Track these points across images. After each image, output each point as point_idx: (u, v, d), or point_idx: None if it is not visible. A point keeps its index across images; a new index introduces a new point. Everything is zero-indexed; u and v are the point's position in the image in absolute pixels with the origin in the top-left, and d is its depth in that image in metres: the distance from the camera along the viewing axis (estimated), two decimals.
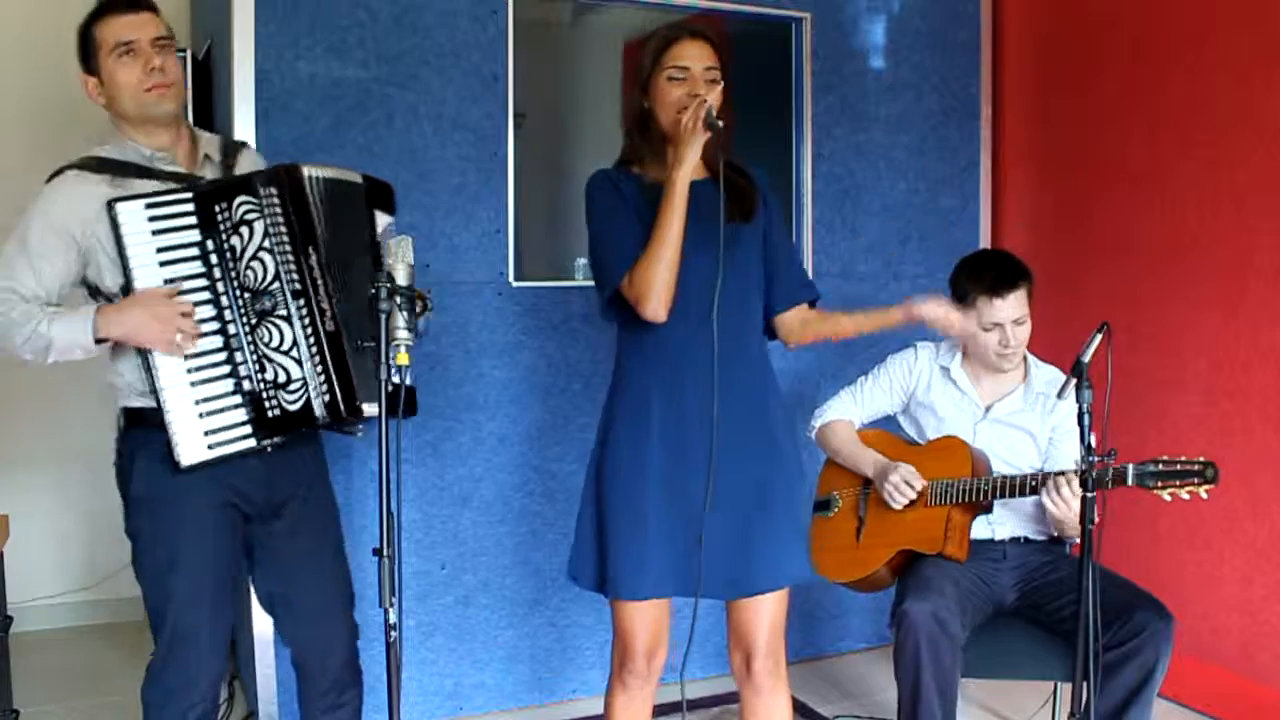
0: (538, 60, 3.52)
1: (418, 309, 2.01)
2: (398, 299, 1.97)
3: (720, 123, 2.13)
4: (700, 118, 2.11)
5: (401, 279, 1.99)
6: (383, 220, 2.29)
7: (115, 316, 2.06)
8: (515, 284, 3.28)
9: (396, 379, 1.96)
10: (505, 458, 3.31)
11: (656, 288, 2.15)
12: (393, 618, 1.94)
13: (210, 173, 2.24)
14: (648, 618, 2.27)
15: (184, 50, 3.39)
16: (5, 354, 2.10)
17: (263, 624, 2.91)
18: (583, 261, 3.68)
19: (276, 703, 3.03)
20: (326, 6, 3.02)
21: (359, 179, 2.26)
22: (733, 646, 2.35)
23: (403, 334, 1.97)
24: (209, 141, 2.29)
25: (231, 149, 2.33)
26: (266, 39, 2.95)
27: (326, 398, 2.10)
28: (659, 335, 2.21)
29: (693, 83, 2.19)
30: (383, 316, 1.96)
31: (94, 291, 2.15)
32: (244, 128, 2.92)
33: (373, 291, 1.96)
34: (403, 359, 1.96)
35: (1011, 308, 2.74)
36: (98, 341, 2.07)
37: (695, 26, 2.26)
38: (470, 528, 3.28)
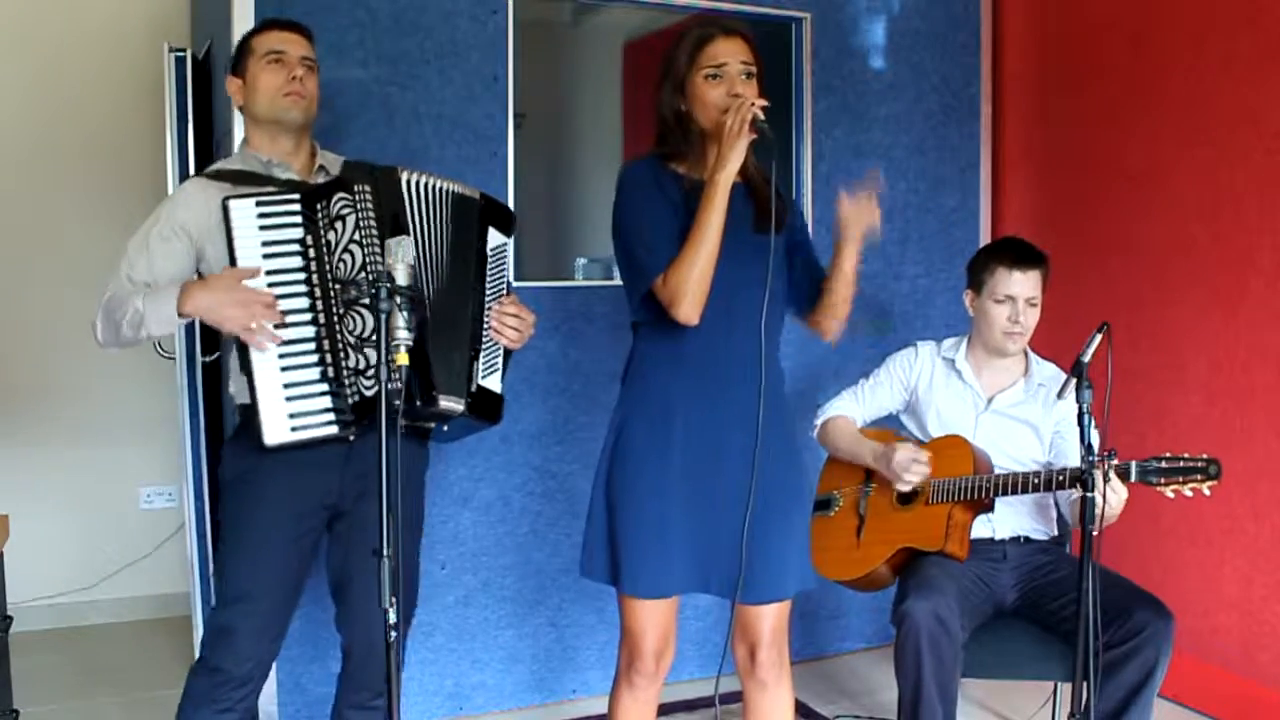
0: (538, 60, 3.52)
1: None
2: (398, 299, 1.98)
3: (768, 126, 2.11)
4: (746, 119, 2.10)
5: (401, 279, 1.99)
6: (496, 238, 2.40)
7: (198, 292, 2.17)
8: (515, 284, 3.27)
9: (496, 386, 2.23)
10: (505, 458, 3.31)
11: (692, 291, 2.13)
12: (393, 618, 1.94)
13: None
14: (658, 617, 2.27)
15: (184, 50, 3.40)
16: (117, 335, 2.22)
17: None
18: (583, 261, 3.69)
19: (276, 702, 3.03)
20: (326, 6, 3.02)
21: (473, 194, 2.37)
22: (737, 640, 2.35)
23: (403, 334, 1.97)
24: (331, 159, 2.43)
25: (355, 167, 2.40)
26: None
27: (399, 384, 2.10)
28: (685, 336, 2.20)
29: (730, 81, 2.17)
30: (383, 316, 1.97)
31: None
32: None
33: (373, 292, 1.97)
34: (402, 359, 1.97)
35: (1027, 285, 2.75)
36: (180, 315, 2.17)
37: (728, 23, 2.24)
38: (470, 528, 3.28)
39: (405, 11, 3.11)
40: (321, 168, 2.41)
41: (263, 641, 2.29)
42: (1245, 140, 3.15)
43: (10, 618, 2.69)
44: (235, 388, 2.31)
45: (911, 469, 2.71)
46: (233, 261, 2.19)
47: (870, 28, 3.74)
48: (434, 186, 2.29)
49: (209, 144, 3.39)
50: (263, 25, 2.40)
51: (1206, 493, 2.42)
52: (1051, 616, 2.68)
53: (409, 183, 2.25)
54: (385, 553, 1.96)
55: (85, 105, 4.12)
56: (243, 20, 2.91)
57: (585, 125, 3.90)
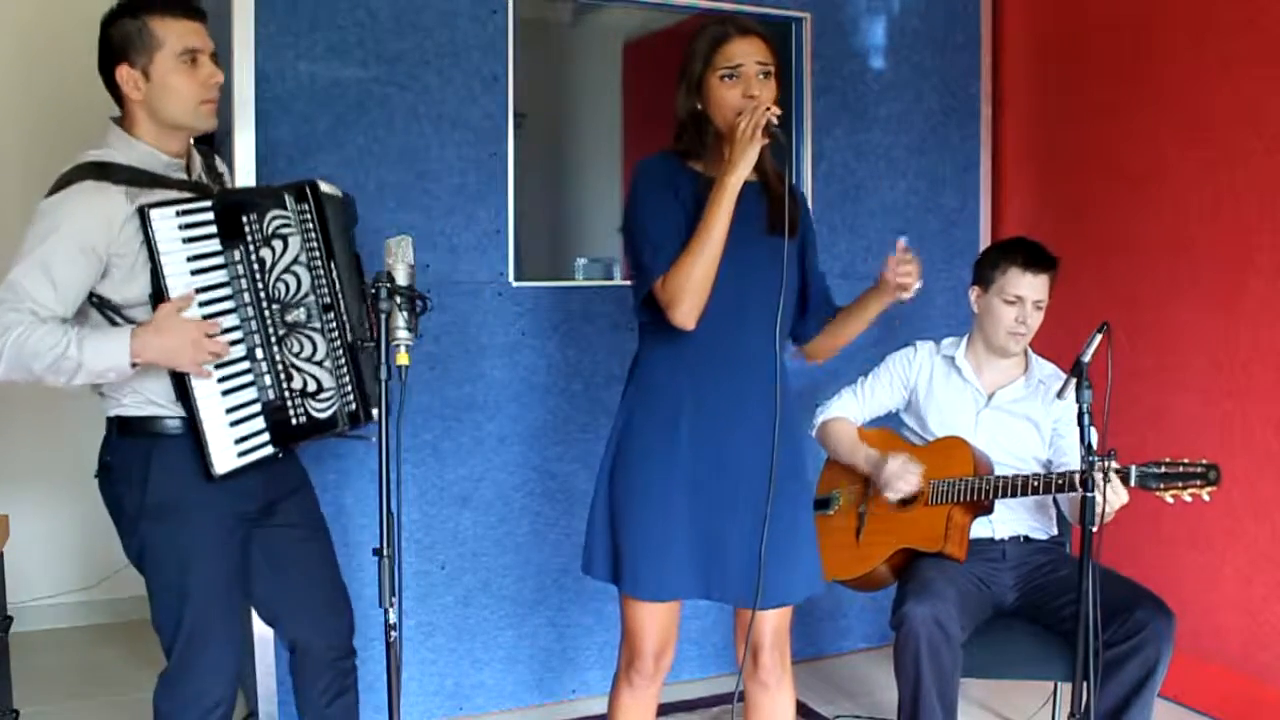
0: (538, 60, 3.52)
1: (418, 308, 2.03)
2: (397, 299, 1.98)
3: (781, 129, 2.10)
4: (759, 124, 2.07)
5: (401, 279, 1.99)
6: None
7: (153, 340, 2.00)
8: (515, 284, 3.28)
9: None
10: (505, 458, 3.31)
11: (690, 296, 2.11)
12: (393, 618, 1.94)
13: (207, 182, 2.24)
14: (660, 619, 2.27)
15: None
16: (27, 378, 2.01)
17: (263, 624, 2.90)
18: (583, 261, 3.69)
19: (276, 702, 3.03)
20: (326, 6, 3.02)
21: (344, 193, 2.29)
22: (739, 642, 2.35)
23: (402, 334, 1.98)
24: (195, 154, 2.27)
25: (206, 154, 2.33)
26: (266, 39, 2.95)
27: (352, 406, 2.16)
28: (692, 337, 2.17)
29: (746, 81, 2.15)
30: (383, 316, 1.97)
31: (101, 304, 2.09)
32: (244, 128, 2.92)
33: (373, 291, 1.96)
34: (402, 359, 1.97)
35: (1037, 288, 2.76)
36: (133, 365, 2.01)
37: (743, 22, 2.21)
38: (470, 528, 3.28)
39: (405, 11, 3.11)
40: (209, 167, 2.27)
41: (232, 662, 2.22)
42: (1245, 140, 3.15)
43: (10, 618, 2.69)
44: (128, 398, 2.12)
45: (902, 480, 2.71)
46: (159, 276, 2.01)
47: (870, 28, 3.74)
48: (333, 196, 2.19)
49: (209, 144, 3.38)
50: (162, 6, 2.07)
51: (1206, 498, 2.42)
52: (1051, 616, 2.68)
53: (325, 195, 2.14)
54: (385, 553, 1.97)
55: (85, 105, 4.10)
56: (243, 20, 2.91)
57: (585, 125, 3.91)
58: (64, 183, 2.05)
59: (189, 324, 2.02)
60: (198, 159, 2.24)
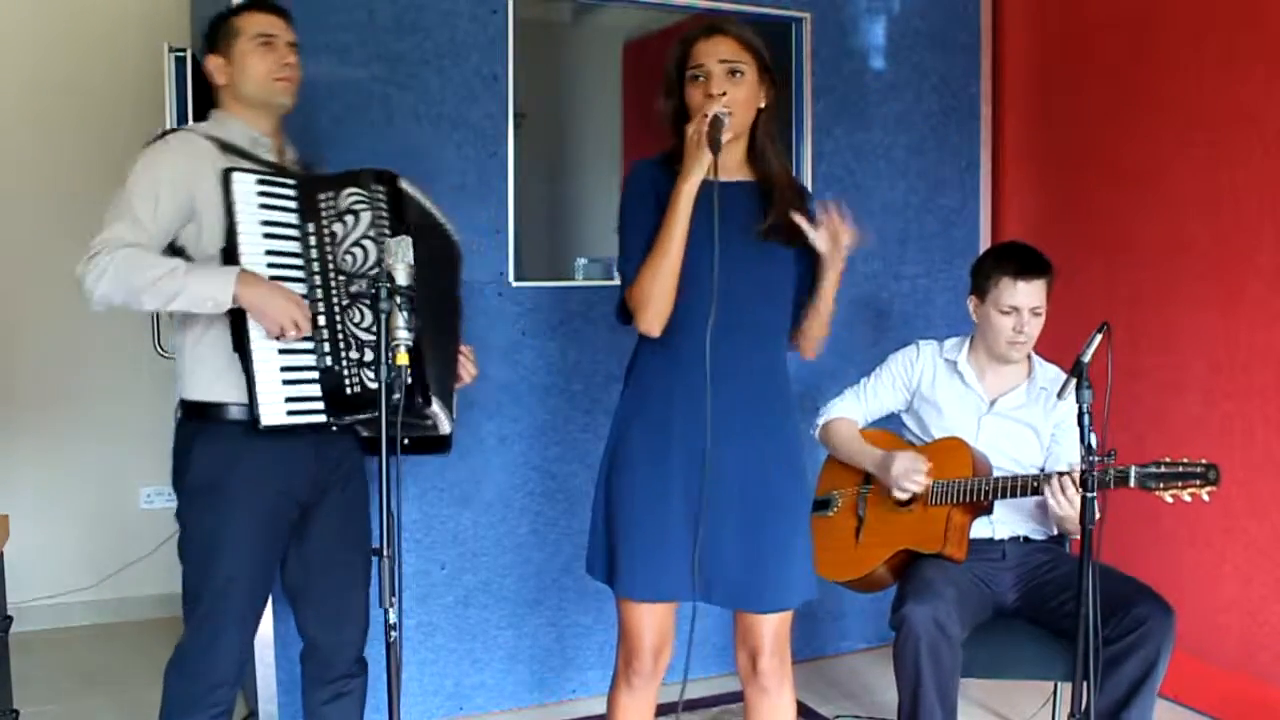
0: (538, 60, 3.52)
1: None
2: (397, 299, 1.98)
3: (724, 139, 2.08)
4: (704, 133, 2.06)
5: (401, 279, 1.99)
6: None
7: (258, 288, 2.13)
8: (515, 284, 3.28)
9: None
10: (505, 458, 3.31)
11: (651, 303, 2.13)
12: (393, 618, 1.94)
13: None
14: (655, 619, 2.27)
15: (184, 50, 3.40)
16: (125, 298, 2.11)
17: (263, 623, 2.90)
18: (583, 261, 3.69)
19: (276, 702, 3.03)
20: (326, 6, 3.02)
21: (447, 228, 2.45)
22: (739, 646, 2.35)
23: (402, 334, 1.98)
24: (290, 150, 2.42)
25: (312, 161, 2.47)
26: None
27: (408, 382, 2.12)
28: (684, 338, 2.18)
29: (710, 81, 2.14)
30: (383, 316, 1.97)
31: (178, 253, 2.20)
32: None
33: (373, 291, 1.97)
34: (402, 359, 1.97)
35: (1032, 295, 2.75)
36: (235, 302, 2.13)
37: (715, 21, 2.21)
38: (470, 528, 3.28)
39: (405, 11, 3.11)
40: (296, 162, 2.40)
41: (245, 647, 2.30)
42: (1245, 140, 3.15)
43: (10, 618, 2.69)
44: (198, 381, 2.23)
45: (910, 479, 2.71)
46: (232, 233, 2.15)
47: (870, 28, 3.74)
48: (419, 202, 2.35)
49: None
50: (250, 5, 2.36)
51: (1205, 498, 2.42)
52: (1051, 615, 2.68)
53: (405, 191, 2.29)
54: (385, 553, 1.97)
55: (85, 105, 4.12)
56: None
57: (585, 125, 3.91)
58: (158, 138, 2.27)
59: (294, 295, 2.16)
60: (292, 151, 2.39)
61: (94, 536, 4.19)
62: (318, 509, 2.33)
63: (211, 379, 2.22)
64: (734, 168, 2.24)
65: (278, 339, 2.15)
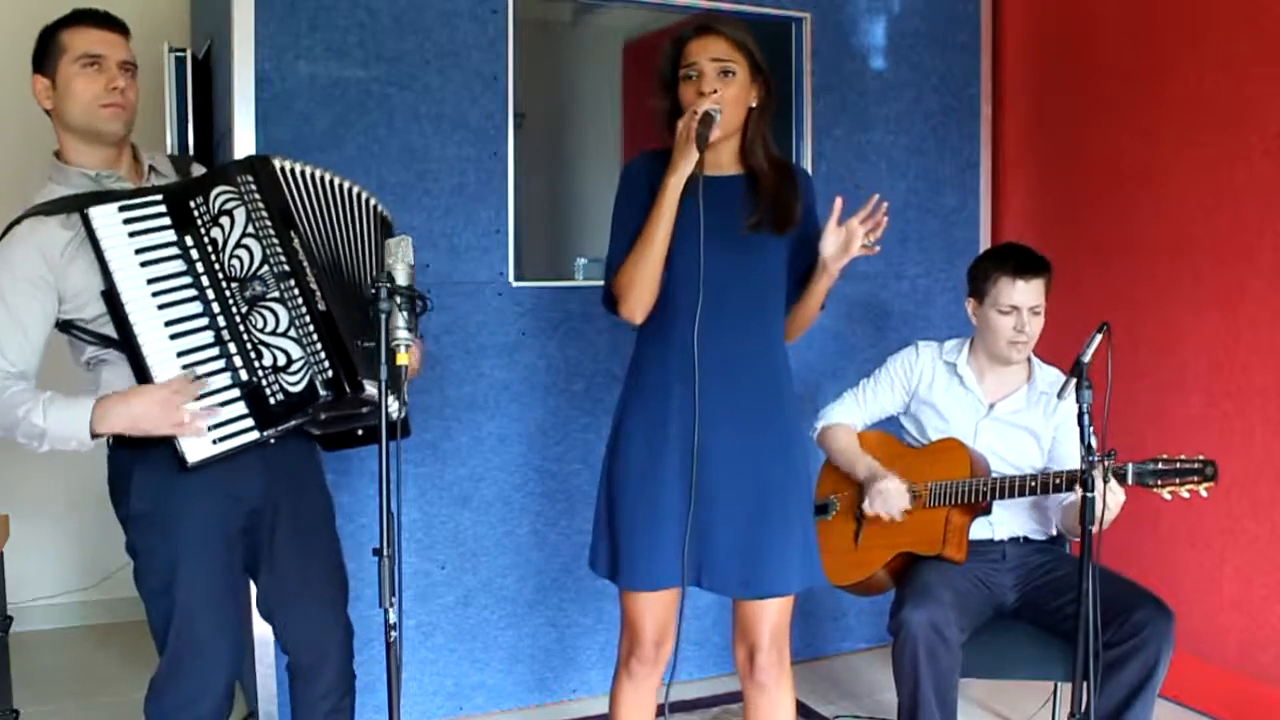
0: (538, 60, 3.52)
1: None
2: (398, 299, 1.97)
3: (711, 135, 2.11)
4: (693, 129, 2.10)
5: (401, 279, 1.99)
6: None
7: (117, 408, 2.03)
8: (515, 284, 3.28)
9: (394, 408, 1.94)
10: (505, 458, 3.31)
11: (633, 291, 2.18)
12: (393, 618, 1.94)
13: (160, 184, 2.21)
14: (656, 608, 2.28)
15: (184, 50, 3.40)
16: (6, 435, 2.07)
17: (263, 623, 2.90)
18: (583, 261, 3.69)
19: (276, 703, 3.03)
20: (326, 6, 3.02)
21: (350, 185, 2.26)
22: (737, 642, 2.36)
23: (403, 334, 1.97)
24: (156, 156, 2.27)
25: (183, 163, 2.32)
26: (266, 39, 2.95)
27: (329, 374, 2.07)
28: (679, 329, 2.21)
29: (702, 80, 2.17)
30: (383, 316, 1.96)
31: (68, 326, 2.10)
32: (244, 128, 2.92)
33: (373, 292, 1.96)
34: (402, 359, 1.96)
35: (1031, 294, 2.74)
36: (94, 436, 2.04)
37: (707, 20, 2.24)
38: (470, 528, 3.28)
39: (405, 11, 3.11)
40: (152, 169, 2.24)
41: (226, 669, 2.18)
42: (1245, 140, 3.15)
43: (10, 618, 2.70)
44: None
45: (889, 506, 2.72)
46: (107, 276, 2.01)
47: (870, 28, 3.74)
48: (308, 174, 2.19)
49: (209, 144, 3.39)
50: (76, 18, 2.13)
51: (1204, 494, 2.42)
52: (1051, 616, 2.68)
53: (283, 168, 2.15)
54: (385, 553, 1.96)
55: None
56: (243, 20, 2.91)
57: (585, 125, 3.91)
58: (5, 232, 2.09)
59: (157, 386, 2.02)
60: (155, 166, 2.24)
61: (94, 536, 4.19)
62: (278, 528, 2.22)
63: None
64: (727, 164, 2.27)
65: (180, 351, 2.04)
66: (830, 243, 2.24)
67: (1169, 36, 3.36)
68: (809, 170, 3.63)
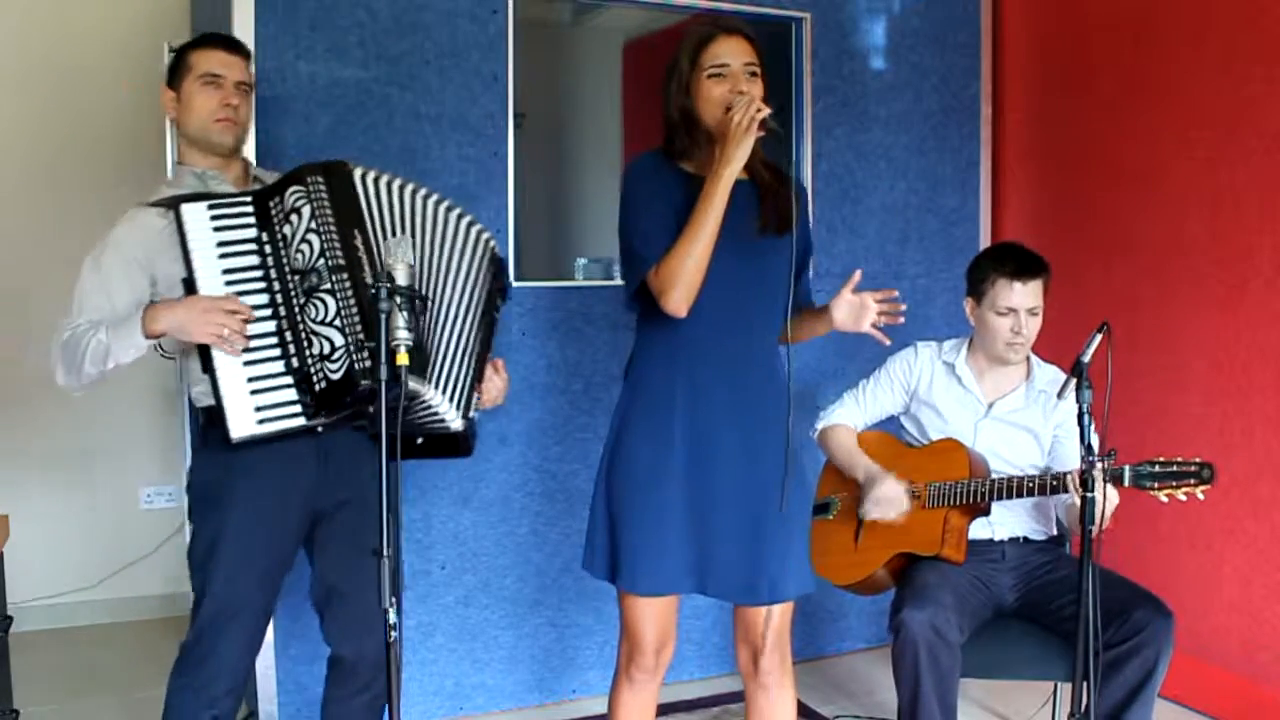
0: (538, 60, 3.52)
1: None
2: (397, 299, 1.97)
3: (776, 124, 2.11)
4: (754, 117, 2.09)
5: (401, 279, 1.99)
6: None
7: (163, 311, 2.17)
8: (515, 284, 3.28)
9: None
10: (505, 458, 3.31)
11: (683, 282, 2.13)
12: (393, 618, 1.94)
13: None
14: (658, 613, 2.28)
15: None
16: (77, 373, 2.22)
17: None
18: (583, 262, 3.69)
19: (276, 703, 3.03)
20: (326, 6, 3.02)
21: (440, 199, 2.33)
22: (739, 643, 2.36)
23: (402, 334, 1.97)
24: (266, 176, 2.42)
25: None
26: (266, 39, 2.95)
27: (366, 362, 2.10)
28: (686, 333, 2.20)
29: (734, 79, 2.17)
30: (382, 316, 1.96)
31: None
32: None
33: (373, 292, 1.96)
34: (403, 359, 1.96)
35: (1029, 295, 2.74)
36: (147, 337, 2.17)
37: (728, 22, 2.24)
38: (470, 528, 3.29)
39: (405, 11, 3.12)
40: (256, 179, 2.41)
41: (246, 654, 2.30)
42: (1245, 140, 3.15)
43: (10, 618, 2.69)
44: (197, 391, 2.29)
45: (886, 509, 2.73)
46: (188, 265, 2.18)
47: (870, 28, 3.74)
48: (395, 184, 2.30)
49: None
50: (204, 41, 2.38)
51: (1201, 497, 2.42)
52: (1051, 616, 2.68)
53: (362, 174, 2.27)
54: (385, 553, 1.96)
55: (85, 105, 4.12)
56: (243, 20, 2.92)
57: (585, 125, 3.90)
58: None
59: (202, 298, 2.16)
60: (259, 178, 2.39)
61: (94, 536, 4.19)
62: (334, 518, 2.33)
63: (207, 387, 2.23)
64: None
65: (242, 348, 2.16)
66: (843, 310, 2.28)
67: (1169, 36, 3.36)
68: (809, 170, 3.64)
